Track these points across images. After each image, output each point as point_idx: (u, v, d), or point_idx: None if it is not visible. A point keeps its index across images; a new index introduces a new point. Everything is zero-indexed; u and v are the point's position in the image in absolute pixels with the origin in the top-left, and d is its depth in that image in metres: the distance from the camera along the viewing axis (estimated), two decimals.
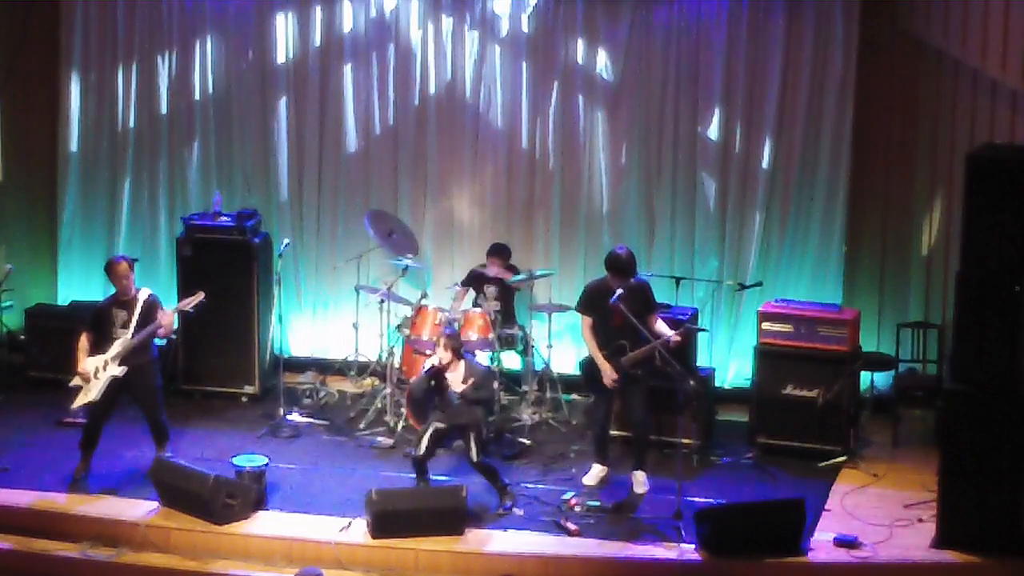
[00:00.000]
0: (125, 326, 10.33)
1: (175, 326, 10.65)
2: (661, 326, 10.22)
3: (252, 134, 12.92)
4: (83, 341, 10.38)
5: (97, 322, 10.43)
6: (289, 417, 11.67)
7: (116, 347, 10.30)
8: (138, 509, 9.98)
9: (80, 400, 10.37)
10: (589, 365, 10.32)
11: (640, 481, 10.31)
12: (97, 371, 10.28)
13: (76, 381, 10.37)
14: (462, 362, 10.09)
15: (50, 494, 10.22)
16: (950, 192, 11.47)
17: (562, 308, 11.75)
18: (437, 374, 10.04)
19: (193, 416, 11.78)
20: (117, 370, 10.29)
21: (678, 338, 10.03)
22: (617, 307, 10.00)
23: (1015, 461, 9.24)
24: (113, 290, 10.52)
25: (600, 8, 12.20)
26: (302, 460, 10.92)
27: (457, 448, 10.33)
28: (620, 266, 10.14)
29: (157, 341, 10.67)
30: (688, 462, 10.61)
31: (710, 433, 11.24)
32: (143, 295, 10.43)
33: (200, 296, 10.55)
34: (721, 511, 9.62)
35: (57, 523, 9.91)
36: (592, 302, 10.30)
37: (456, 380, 10.04)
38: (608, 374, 10.12)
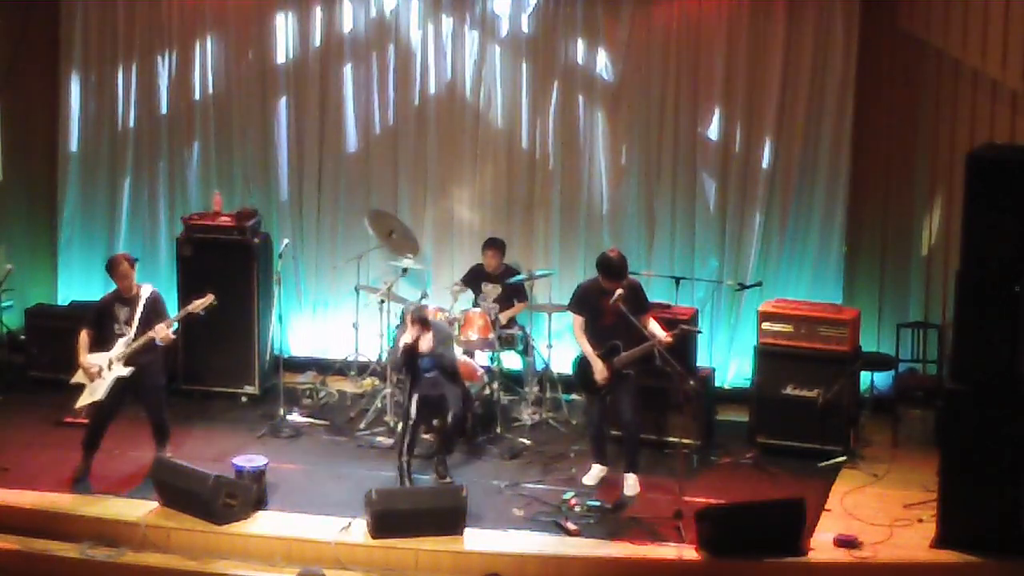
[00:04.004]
0: (128, 323, 10.33)
1: (174, 332, 10.59)
2: (654, 325, 10.22)
3: (252, 134, 12.93)
4: (83, 337, 10.38)
5: (99, 319, 10.42)
6: (289, 417, 11.67)
7: (120, 347, 10.30)
8: (138, 509, 9.98)
9: (85, 399, 10.38)
10: (581, 365, 10.33)
11: (630, 484, 10.27)
12: (102, 370, 10.28)
13: (78, 377, 10.37)
14: (430, 331, 10.39)
15: (50, 494, 10.21)
16: (950, 192, 11.47)
17: (562, 308, 11.73)
18: (411, 351, 10.28)
19: (193, 416, 11.78)
20: (124, 371, 10.28)
21: (669, 339, 10.02)
22: (617, 307, 10.01)
23: (1015, 461, 9.23)
24: (114, 286, 10.52)
25: (600, 8, 12.21)
26: (302, 460, 10.93)
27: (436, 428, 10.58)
28: (610, 268, 10.15)
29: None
30: (688, 462, 10.61)
31: (710, 433, 11.25)
32: (145, 291, 10.42)
33: (210, 299, 10.52)
34: (721, 511, 9.61)
35: (57, 523, 9.90)
36: (584, 301, 10.32)
37: (427, 346, 10.37)
38: (600, 371, 10.13)
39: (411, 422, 10.30)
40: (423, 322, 10.37)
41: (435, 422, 10.68)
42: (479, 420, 11.34)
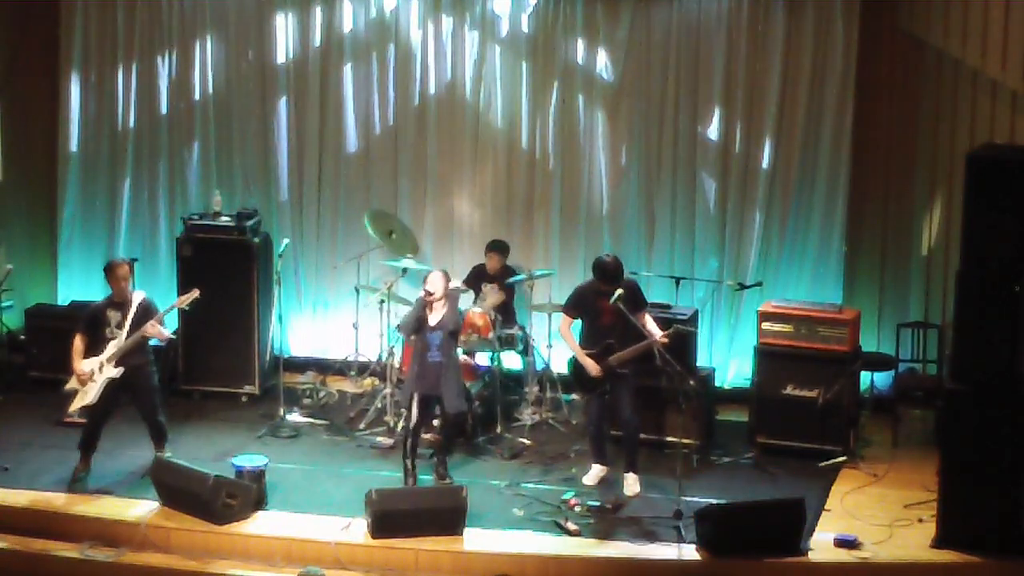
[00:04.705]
0: (119, 327, 10.33)
1: (169, 331, 10.60)
2: (651, 324, 10.22)
3: (252, 134, 12.93)
4: (77, 343, 10.39)
5: (91, 324, 10.44)
6: (289, 417, 11.67)
7: (111, 348, 10.31)
8: (138, 509, 9.98)
9: (77, 403, 10.38)
10: (576, 365, 10.33)
11: (630, 483, 10.27)
12: (93, 373, 10.29)
13: (72, 384, 10.38)
14: (446, 304, 10.35)
15: (50, 494, 10.22)
16: (950, 192, 11.47)
17: (561, 308, 11.75)
18: (427, 304, 10.25)
19: (193, 416, 11.78)
20: (114, 372, 10.29)
21: (665, 339, 10.02)
22: (617, 307, 10.01)
23: (1015, 461, 9.23)
24: (109, 292, 10.54)
25: (600, 8, 12.21)
26: (302, 460, 10.93)
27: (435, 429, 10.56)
28: (605, 273, 10.15)
29: (154, 342, 10.69)
30: (688, 462, 10.61)
31: (710, 433, 11.24)
32: (137, 297, 10.45)
33: (195, 294, 10.53)
34: (721, 511, 9.61)
35: (57, 523, 9.91)
36: (581, 303, 10.32)
37: (436, 319, 10.30)
38: (591, 367, 10.13)
39: (412, 423, 10.31)
40: (447, 277, 10.34)
41: (435, 422, 10.69)
42: (479, 420, 11.34)
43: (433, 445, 10.70)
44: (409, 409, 10.34)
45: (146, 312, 10.38)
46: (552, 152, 12.48)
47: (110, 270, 10.50)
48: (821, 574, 9.42)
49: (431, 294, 10.27)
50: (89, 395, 10.31)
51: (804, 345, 11.01)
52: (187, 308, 10.62)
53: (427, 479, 10.45)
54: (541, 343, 11.92)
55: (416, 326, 10.31)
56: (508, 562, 9.34)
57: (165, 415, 10.73)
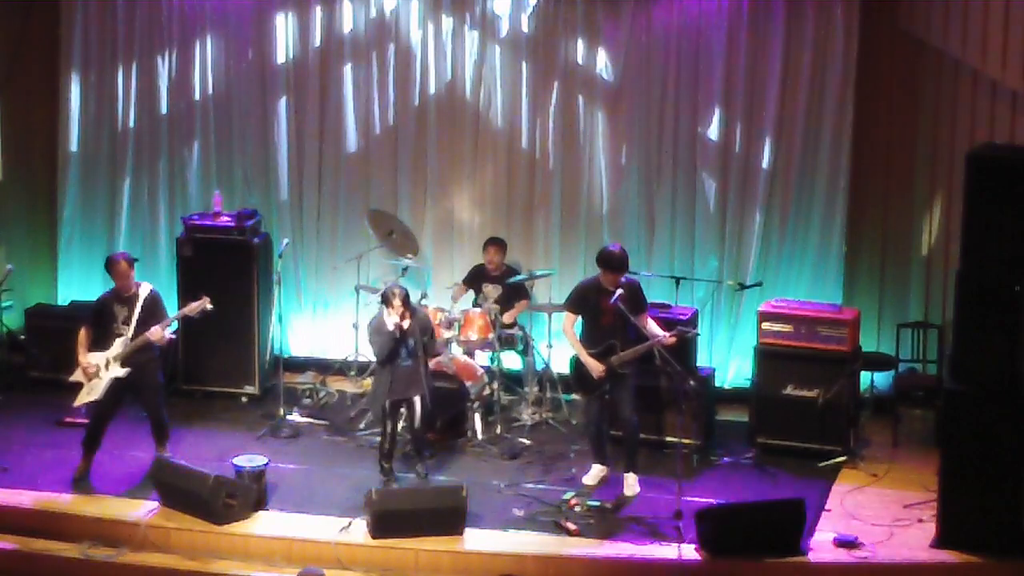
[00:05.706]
0: (127, 322, 10.32)
1: (170, 335, 10.56)
2: (652, 326, 10.20)
3: (252, 134, 12.93)
4: (82, 335, 10.38)
5: (98, 317, 10.42)
6: (289, 417, 11.67)
7: (118, 346, 10.29)
8: (138, 509, 9.98)
9: (82, 398, 10.38)
10: (577, 365, 10.32)
11: (630, 484, 10.26)
12: (99, 369, 10.28)
13: (77, 376, 10.37)
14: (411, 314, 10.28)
15: (50, 494, 10.21)
16: (950, 192, 11.47)
17: (561, 308, 11.74)
18: (402, 335, 10.15)
19: (193, 416, 11.78)
20: (120, 371, 10.28)
21: (671, 340, 10.01)
22: (616, 307, 10.00)
23: (1015, 461, 9.23)
24: (113, 284, 10.53)
25: (600, 8, 12.21)
26: (302, 460, 10.93)
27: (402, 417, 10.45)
28: (613, 263, 10.13)
29: None
30: (688, 462, 10.61)
31: (710, 433, 11.24)
32: (144, 291, 10.41)
33: (205, 302, 10.49)
34: (721, 511, 9.61)
35: (57, 523, 9.91)
36: (583, 301, 10.30)
37: (407, 327, 10.23)
38: (594, 368, 10.12)
39: (387, 431, 10.27)
40: (407, 302, 10.21)
41: (402, 424, 10.54)
42: (481, 420, 11.32)
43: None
44: (383, 418, 10.29)
45: (154, 305, 10.35)
46: (552, 152, 12.47)
47: (111, 267, 10.47)
48: (821, 574, 9.43)
49: (403, 328, 10.15)
50: (95, 392, 10.29)
51: (804, 345, 11.01)
52: (195, 317, 10.57)
53: (410, 477, 10.43)
54: (541, 343, 11.92)
55: (393, 356, 10.23)
56: (508, 562, 9.34)
57: (167, 414, 10.72)
